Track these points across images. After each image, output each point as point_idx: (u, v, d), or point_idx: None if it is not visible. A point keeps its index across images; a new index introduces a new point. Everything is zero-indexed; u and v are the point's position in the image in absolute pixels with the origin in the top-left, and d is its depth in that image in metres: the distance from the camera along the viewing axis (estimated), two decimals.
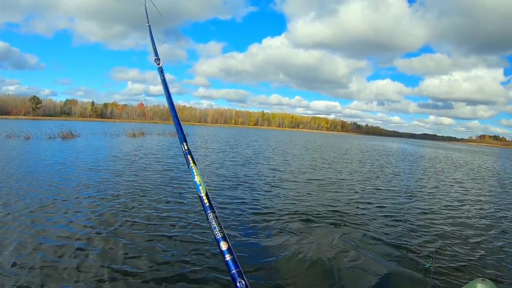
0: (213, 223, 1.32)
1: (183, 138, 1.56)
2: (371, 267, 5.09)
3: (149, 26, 2.40)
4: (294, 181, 11.21)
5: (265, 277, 4.22)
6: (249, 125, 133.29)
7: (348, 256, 5.39)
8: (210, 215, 1.34)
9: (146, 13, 2.58)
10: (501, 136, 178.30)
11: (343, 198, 9.32)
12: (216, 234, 1.29)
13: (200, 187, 1.44)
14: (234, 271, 1.22)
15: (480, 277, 3.09)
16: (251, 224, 6.36)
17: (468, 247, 6.54)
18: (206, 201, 1.39)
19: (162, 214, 6.45)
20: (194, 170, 1.49)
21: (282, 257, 4.97)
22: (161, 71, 2.07)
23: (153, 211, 6.69)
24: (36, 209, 6.11)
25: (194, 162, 1.51)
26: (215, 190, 8.65)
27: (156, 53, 2.12)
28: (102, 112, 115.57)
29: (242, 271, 1.18)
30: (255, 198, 8.39)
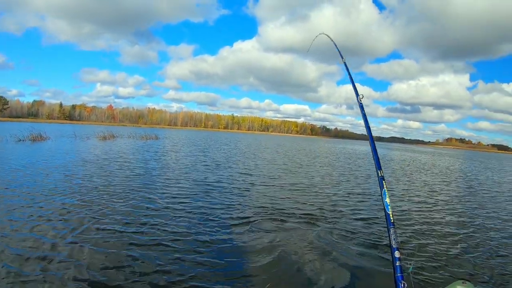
0: (393, 236, 1.86)
1: (379, 166, 2.06)
2: (348, 270, 5.26)
3: (345, 62, 2.76)
4: (266, 185, 11.39)
5: (240, 279, 4.34)
6: (219, 128, 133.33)
7: (325, 259, 5.53)
8: (392, 230, 1.89)
9: (338, 50, 2.91)
10: (467, 139, 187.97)
11: (317, 201, 9.47)
12: (393, 244, 1.82)
13: (389, 206, 1.96)
14: (399, 274, 1.80)
15: (460, 279, 3.39)
16: (225, 229, 6.44)
17: (446, 248, 6.83)
18: (391, 218, 1.90)
19: (133, 219, 6.37)
20: (386, 193, 1.99)
21: (257, 258, 5.09)
22: (362, 107, 2.50)
23: (123, 216, 6.66)
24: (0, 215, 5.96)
25: (386, 187, 2.00)
26: (187, 194, 8.67)
27: (356, 91, 2.56)
28: (70, 114, 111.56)
29: (404, 276, 1.74)
30: (228, 202, 8.49)
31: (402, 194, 12.33)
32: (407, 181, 16.74)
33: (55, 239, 4.92)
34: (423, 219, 8.96)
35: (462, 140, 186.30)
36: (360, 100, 2.63)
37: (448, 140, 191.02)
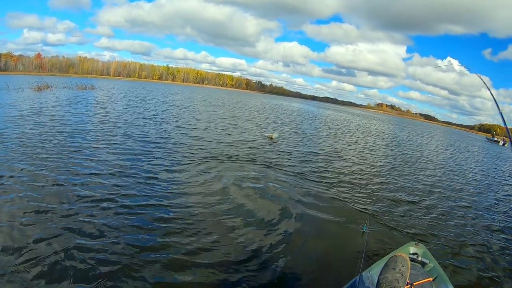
0: None
1: None
2: (309, 231, 5.64)
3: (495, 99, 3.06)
4: (212, 141, 12.39)
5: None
6: (153, 79, 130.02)
7: (285, 220, 5.97)
8: None
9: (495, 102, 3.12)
10: (397, 106, 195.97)
11: (271, 159, 10.43)
12: None
13: None
14: None
15: (413, 241, 3.88)
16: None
17: (398, 211, 7.27)
18: None
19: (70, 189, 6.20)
20: None
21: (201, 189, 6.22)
22: (502, 116, 3.11)
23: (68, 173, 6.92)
24: None
25: None
26: (129, 154, 8.91)
27: (497, 105, 3.26)
28: None
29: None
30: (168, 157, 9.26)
31: (354, 156, 13.71)
32: (353, 143, 18.67)
33: None
34: (376, 183, 9.64)
35: (392, 107, 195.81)
36: (501, 110, 3.01)
37: (379, 105, 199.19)
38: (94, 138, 10.36)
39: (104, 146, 9.57)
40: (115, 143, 10.05)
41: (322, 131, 23.28)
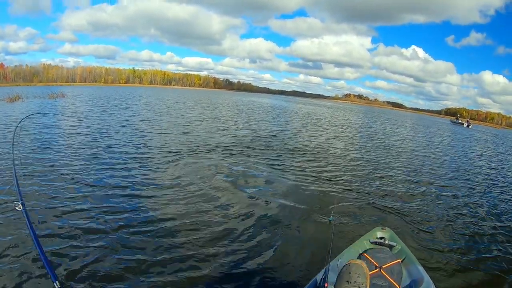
0: None
1: None
2: (278, 222, 5.73)
3: None
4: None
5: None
6: (119, 83, 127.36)
7: (253, 213, 6.08)
8: None
9: None
10: (364, 96, 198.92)
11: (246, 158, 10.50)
12: None
13: None
14: None
15: (379, 225, 3.92)
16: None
17: (362, 197, 7.49)
18: None
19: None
20: None
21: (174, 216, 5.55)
22: None
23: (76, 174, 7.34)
24: None
25: None
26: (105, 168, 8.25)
27: None
28: None
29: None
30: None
31: (315, 147, 13.94)
32: (317, 134, 18.99)
33: None
34: (341, 172, 9.92)
35: (360, 96, 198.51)
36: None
37: (347, 96, 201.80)
38: (73, 152, 9.74)
39: (84, 157, 9.23)
40: (97, 153, 9.81)
41: (293, 124, 24.29)
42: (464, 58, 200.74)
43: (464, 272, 4.65)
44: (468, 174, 12.10)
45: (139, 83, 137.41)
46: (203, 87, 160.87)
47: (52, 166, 8.10)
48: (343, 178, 9.19)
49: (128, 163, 8.96)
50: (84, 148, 10.17)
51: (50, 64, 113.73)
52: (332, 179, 8.89)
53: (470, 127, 62.91)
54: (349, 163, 11.48)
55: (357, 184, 8.67)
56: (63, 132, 12.86)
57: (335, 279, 2.47)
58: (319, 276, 2.92)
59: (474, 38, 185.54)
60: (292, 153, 12.21)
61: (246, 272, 4.22)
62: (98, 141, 11.44)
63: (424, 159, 14.31)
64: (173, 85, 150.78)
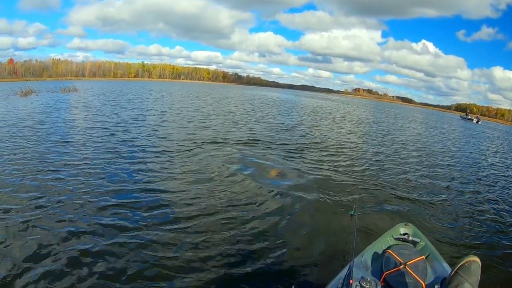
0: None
1: None
2: (300, 216, 5.71)
3: None
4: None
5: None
6: (129, 77, 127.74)
7: (274, 206, 6.05)
8: None
9: None
10: (374, 90, 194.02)
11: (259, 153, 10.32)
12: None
13: None
14: None
15: (402, 221, 3.88)
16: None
17: (387, 192, 7.38)
18: None
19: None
20: None
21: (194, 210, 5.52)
22: None
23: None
24: None
25: None
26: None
27: None
28: None
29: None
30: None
31: (339, 141, 14.18)
32: (336, 127, 19.42)
33: None
34: (362, 166, 9.85)
35: (369, 91, 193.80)
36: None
37: (356, 90, 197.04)
38: (92, 147, 9.73)
39: (104, 152, 9.21)
40: (116, 147, 9.87)
41: (307, 118, 24.20)
42: (475, 53, 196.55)
43: (489, 269, 4.53)
44: (486, 170, 12.02)
45: (148, 77, 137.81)
46: (212, 81, 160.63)
47: (72, 160, 8.15)
48: (362, 172, 9.12)
49: (153, 157, 9.07)
50: (103, 142, 10.28)
51: (59, 59, 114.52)
52: (351, 173, 8.82)
53: (479, 123, 62.54)
54: (367, 157, 11.40)
55: (377, 178, 8.60)
56: (80, 127, 12.97)
57: (360, 275, 2.50)
58: (343, 273, 2.93)
59: (486, 32, 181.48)
60: (309, 147, 12.17)
61: (268, 266, 4.22)
62: (116, 135, 11.61)
63: (441, 154, 14.19)
64: (182, 79, 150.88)
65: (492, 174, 11.44)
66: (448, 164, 12.10)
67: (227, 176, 7.63)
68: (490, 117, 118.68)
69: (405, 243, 3.48)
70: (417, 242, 3.54)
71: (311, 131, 16.78)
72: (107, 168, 7.68)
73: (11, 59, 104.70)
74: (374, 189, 7.56)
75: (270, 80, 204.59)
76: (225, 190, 6.73)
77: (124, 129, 13.04)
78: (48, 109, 18.82)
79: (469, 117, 71.38)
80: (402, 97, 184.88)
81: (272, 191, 6.85)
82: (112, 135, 11.59)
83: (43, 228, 4.67)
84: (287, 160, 9.82)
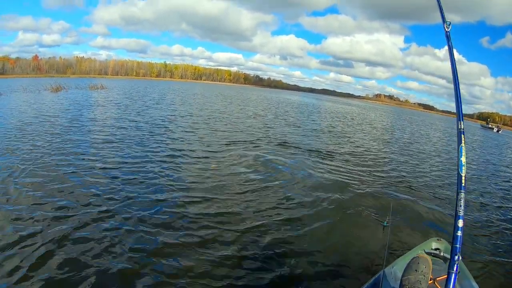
0: (460, 202, 1.88)
1: (461, 117, 2.04)
2: (330, 224, 5.61)
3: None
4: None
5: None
6: (151, 76, 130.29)
7: (305, 211, 6.03)
8: (461, 195, 1.89)
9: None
10: (395, 96, 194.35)
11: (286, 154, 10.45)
12: (459, 212, 1.88)
13: (463, 167, 1.86)
14: (458, 245, 1.95)
15: (435, 236, 3.80)
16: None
17: (421, 206, 7.11)
18: (463, 181, 1.87)
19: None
20: (463, 150, 1.87)
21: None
22: (448, 37, 2.36)
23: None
24: None
25: (464, 142, 1.87)
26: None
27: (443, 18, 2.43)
28: None
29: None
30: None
31: (367, 147, 14.16)
32: (364, 134, 19.16)
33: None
34: (395, 176, 9.60)
35: (390, 97, 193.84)
36: (447, 28, 2.42)
37: (377, 96, 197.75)
38: (125, 145, 9.90)
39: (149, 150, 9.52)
40: (154, 147, 10.01)
41: (333, 123, 24.02)
42: (499, 61, 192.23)
43: None
44: None
45: (170, 77, 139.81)
46: (233, 83, 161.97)
47: (107, 159, 8.29)
48: (396, 182, 8.94)
49: (186, 156, 9.25)
50: (139, 141, 10.54)
51: (83, 56, 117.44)
52: (385, 183, 8.69)
53: (500, 132, 61.28)
54: (400, 167, 11.12)
55: (411, 190, 8.38)
56: (115, 125, 13.23)
57: (389, 286, 2.60)
58: (372, 282, 2.91)
59: (510, 39, 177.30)
60: (340, 153, 12.04)
61: (294, 273, 4.15)
62: (156, 134, 11.89)
63: (473, 167, 13.50)
64: (204, 80, 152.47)
65: None
66: (483, 177, 11.52)
67: (254, 180, 7.59)
68: None
69: (436, 258, 3.36)
70: (448, 259, 3.34)
71: (340, 138, 16.67)
72: (142, 167, 7.89)
73: (36, 55, 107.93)
74: (408, 200, 7.36)
75: (291, 83, 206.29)
76: (252, 194, 6.70)
77: (158, 127, 13.39)
78: (80, 105, 19.27)
79: (490, 126, 70.20)
80: (423, 104, 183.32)
81: (302, 196, 6.77)
82: (150, 133, 11.91)
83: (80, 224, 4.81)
84: (318, 164, 9.77)
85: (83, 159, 8.06)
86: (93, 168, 7.36)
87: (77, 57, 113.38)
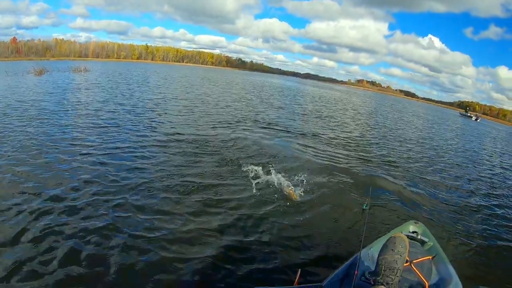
0: None
1: None
2: (312, 206, 5.70)
3: None
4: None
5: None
6: (132, 59, 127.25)
7: (285, 193, 6.03)
8: None
9: None
10: (377, 82, 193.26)
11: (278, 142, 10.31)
12: None
13: None
14: None
15: (412, 219, 3.86)
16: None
17: (398, 190, 7.25)
18: None
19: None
20: None
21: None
22: None
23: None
24: None
25: None
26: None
27: None
28: None
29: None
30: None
31: (352, 132, 14.35)
32: (350, 119, 19.42)
33: None
34: (377, 161, 9.75)
35: (372, 83, 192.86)
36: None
37: (360, 81, 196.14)
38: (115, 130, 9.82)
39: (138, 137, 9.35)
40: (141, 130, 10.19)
41: (318, 108, 24.41)
42: (481, 51, 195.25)
43: (495, 276, 4.53)
44: (498, 171, 12.14)
45: (152, 60, 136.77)
46: (215, 66, 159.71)
47: (95, 144, 8.29)
48: (378, 167, 9.09)
49: (173, 140, 9.30)
50: (125, 126, 10.53)
51: (62, 39, 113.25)
52: (366, 167, 8.83)
53: (478, 121, 63.80)
54: (383, 153, 11.28)
55: (392, 174, 8.55)
56: (102, 109, 13.20)
57: (365, 267, 2.69)
58: (349, 263, 3.01)
59: (493, 32, 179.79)
60: (324, 138, 12.28)
61: (275, 253, 4.30)
62: (144, 118, 11.98)
63: (454, 153, 14.25)
64: (186, 62, 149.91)
65: (507, 175, 11.64)
66: (462, 163, 12.16)
67: (239, 164, 7.61)
68: (492, 116, 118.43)
69: (414, 241, 3.48)
70: (425, 242, 3.59)
71: (326, 122, 16.88)
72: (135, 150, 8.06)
73: (14, 38, 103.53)
74: (389, 184, 7.56)
75: (274, 66, 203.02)
76: (236, 177, 6.81)
77: (146, 111, 13.58)
78: (65, 89, 19.01)
79: (468, 114, 72.73)
80: (405, 91, 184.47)
81: (285, 179, 6.70)
82: (137, 116, 12.05)
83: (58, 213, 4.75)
84: (303, 147, 9.99)
85: (71, 144, 8.02)
86: (81, 154, 7.32)
87: (56, 39, 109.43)
